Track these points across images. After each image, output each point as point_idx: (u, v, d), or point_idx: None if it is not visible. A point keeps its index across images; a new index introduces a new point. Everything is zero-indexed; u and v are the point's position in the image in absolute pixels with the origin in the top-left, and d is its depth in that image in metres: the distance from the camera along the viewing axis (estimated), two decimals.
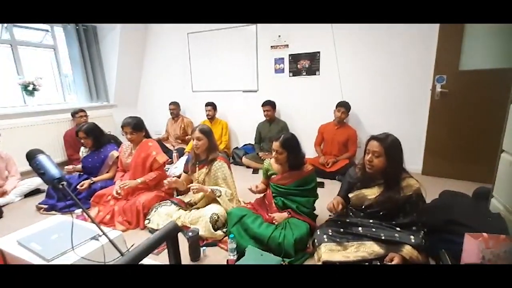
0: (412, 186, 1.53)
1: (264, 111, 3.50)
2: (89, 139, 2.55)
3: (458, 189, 2.02)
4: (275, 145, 1.85)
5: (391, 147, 1.52)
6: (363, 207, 1.65)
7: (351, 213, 1.74)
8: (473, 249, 1.28)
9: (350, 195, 1.71)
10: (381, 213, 1.59)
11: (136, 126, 2.30)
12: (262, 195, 2.11)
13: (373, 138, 1.57)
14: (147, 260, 1.48)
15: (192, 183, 2.24)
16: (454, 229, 1.52)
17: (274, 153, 1.88)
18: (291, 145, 1.85)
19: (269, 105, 3.48)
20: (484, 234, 1.27)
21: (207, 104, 3.83)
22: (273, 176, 1.97)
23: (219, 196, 2.03)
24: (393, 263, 1.39)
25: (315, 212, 1.99)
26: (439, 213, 1.71)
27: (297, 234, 1.67)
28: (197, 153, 2.14)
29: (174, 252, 0.71)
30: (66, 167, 2.69)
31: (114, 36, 4.01)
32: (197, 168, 2.17)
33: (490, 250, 1.25)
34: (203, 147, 2.09)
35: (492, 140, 1.95)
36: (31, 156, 1.00)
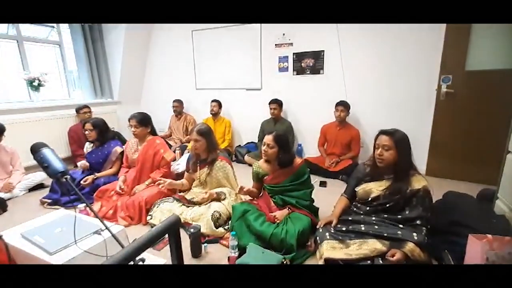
0: (420, 182, 1.55)
1: (270, 109, 3.49)
2: (93, 132, 2.57)
3: (462, 191, 1.99)
4: (268, 138, 1.88)
5: (400, 140, 1.55)
6: (369, 199, 1.66)
7: (355, 208, 1.74)
8: (477, 250, 1.27)
9: (356, 189, 1.72)
10: (387, 205, 1.59)
11: (141, 121, 2.34)
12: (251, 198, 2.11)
13: (382, 132, 1.60)
14: (148, 257, 1.49)
15: (194, 181, 2.25)
16: (458, 230, 1.51)
17: (265, 147, 1.89)
18: (283, 142, 1.89)
19: (276, 103, 3.47)
20: (489, 235, 1.26)
21: (213, 101, 3.85)
22: (265, 177, 1.98)
23: (224, 199, 2.04)
24: (394, 259, 1.39)
25: (315, 205, 1.99)
26: (443, 214, 1.70)
27: (299, 226, 1.68)
28: (197, 153, 2.15)
29: (176, 245, 0.71)
30: (79, 163, 2.69)
31: (119, 33, 4.03)
32: (198, 168, 2.17)
33: (494, 251, 1.23)
34: (202, 148, 2.09)
35: (498, 141, 1.93)
36: (35, 150, 1.00)
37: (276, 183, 1.93)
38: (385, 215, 1.60)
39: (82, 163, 2.64)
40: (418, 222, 1.52)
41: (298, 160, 1.93)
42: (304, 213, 1.82)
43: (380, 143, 1.58)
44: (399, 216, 1.56)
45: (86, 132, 2.59)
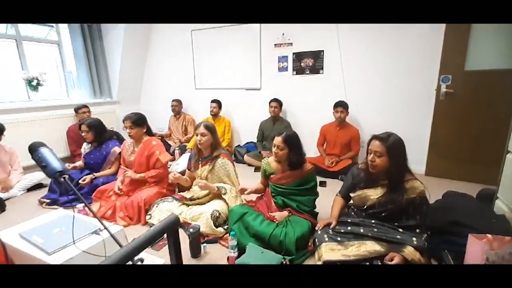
0: (416, 188, 1.50)
1: (271, 107, 3.48)
2: (90, 133, 2.56)
3: (462, 190, 2.00)
4: (277, 140, 1.84)
5: (393, 146, 1.49)
6: (365, 207, 1.64)
7: (352, 213, 1.73)
8: (477, 250, 1.27)
9: (352, 195, 1.70)
10: (383, 214, 1.57)
11: (136, 122, 2.30)
12: (258, 195, 2.10)
13: (374, 137, 1.55)
14: (147, 257, 1.48)
15: (195, 179, 2.24)
16: (458, 230, 1.51)
17: (275, 149, 1.86)
18: (293, 142, 1.84)
19: (277, 102, 3.47)
20: (489, 235, 1.26)
21: (213, 101, 3.83)
22: (272, 176, 1.96)
23: (224, 194, 2.03)
24: (393, 262, 1.38)
25: (316, 210, 1.97)
26: (443, 214, 1.69)
27: (298, 231, 1.66)
28: (200, 148, 2.14)
29: (175, 245, 0.71)
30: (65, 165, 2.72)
31: (118, 33, 4.02)
32: (200, 165, 2.17)
33: (495, 251, 1.23)
34: (207, 143, 2.09)
35: (498, 141, 1.93)
36: (34, 149, 1.00)
37: (282, 184, 1.91)
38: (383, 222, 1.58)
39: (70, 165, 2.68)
40: (417, 230, 1.50)
41: (308, 165, 1.89)
42: (304, 217, 1.81)
43: (372, 148, 1.53)
44: (396, 224, 1.54)
45: (83, 134, 2.58)
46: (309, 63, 3.46)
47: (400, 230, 1.51)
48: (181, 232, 1.85)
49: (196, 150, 2.18)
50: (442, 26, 2.67)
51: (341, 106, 3.08)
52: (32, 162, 1.01)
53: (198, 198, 2.11)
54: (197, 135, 2.09)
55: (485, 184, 2.26)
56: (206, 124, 2.10)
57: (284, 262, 1.52)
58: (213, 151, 2.13)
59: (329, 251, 1.50)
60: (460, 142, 2.77)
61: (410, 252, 1.40)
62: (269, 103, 3.50)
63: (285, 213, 1.84)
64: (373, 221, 1.59)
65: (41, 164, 0.97)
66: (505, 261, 1.22)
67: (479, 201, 1.88)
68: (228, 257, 1.62)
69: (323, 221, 1.69)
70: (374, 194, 1.59)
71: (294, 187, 1.88)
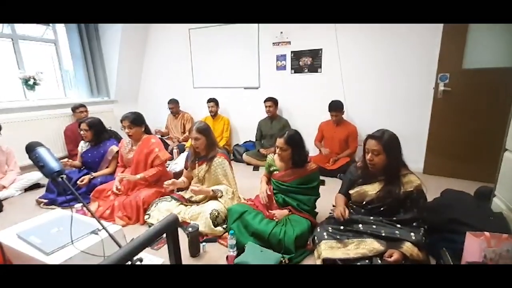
0: (413, 182, 1.54)
1: (266, 106, 3.49)
2: (89, 132, 2.55)
3: (460, 188, 2.01)
4: (279, 142, 1.83)
5: (389, 143, 1.53)
6: (364, 203, 1.66)
7: (351, 210, 1.74)
8: (475, 248, 1.27)
9: (351, 192, 1.72)
10: (381, 208, 1.59)
11: (134, 121, 2.29)
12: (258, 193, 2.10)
13: (370, 137, 1.58)
14: (146, 257, 1.48)
15: (193, 179, 2.24)
16: (456, 228, 1.52)
17: (278, 150, 1.86)
18: (296, 141, 1.84)
19: (271, 101, 3.47)
20: (486, 233, 1.27)
21: (210, 100, 3.81)
22: (275, 172, 1.96)
23: (220, 197, 2.02)
24: (392, 259, 1.38)
25: (315, 209, 1.98)
26: (441, 212, 1.70)
27: (298, 230, 1.66)
28: (197, 151, 2.14)
29: (174, 245, 0.71)
30: (62, 160, 2.70)
31: (115, 31, 3.99)
32: (196, 165, 2.16)
33: (492, 249, 1.24)
34: (202, 146, 2.08)
35: (495, 139, 1.94)
36: (31, 149, 0.99)
37: (284, 181, 1.91)
38: (381, 217, 1.59)
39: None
40: (414, 224, 1.52)
41: (312, 165, 1.89)
42: (303, 216, 1.81)
43: (369, 148, 1.56)
44: (395, 218, 1.56)
45: (82, 132, 2.57)
46: (307, 61, 3.45)
47: (398, 225, 1.53)
48: (180, 231, 1.85)
49: (192, 150, 2.18)
50: (440, 25, 2.67)
51: (334, 111, 3.09)
52: (30, 161, 1.00)
53: (197, 202, 2.11)
54: (191, 140, 2.09)
55: (482, 182, 2.27)
56: (198, 128, 2.07)
57: (283, 260, 1.53)
58: (209, 152, 2.12)
59: (328, 249, 1.51)
60: (458, 140, 2.79)
61: (408, 247, 1.41)
62: (264, 102, 3.50)
63: (285, 211, 1.85)
64: (371, 218, 1.60)
65: (39, 164, 0.96)
66: (502, 258, 1.22)
67: (476, 199, 1.89)
68: (227, 256, 1.62)
69: (339, 209, 1.64)
70: (372, 189, 1.62)
71: (297, 185, 1.88)
